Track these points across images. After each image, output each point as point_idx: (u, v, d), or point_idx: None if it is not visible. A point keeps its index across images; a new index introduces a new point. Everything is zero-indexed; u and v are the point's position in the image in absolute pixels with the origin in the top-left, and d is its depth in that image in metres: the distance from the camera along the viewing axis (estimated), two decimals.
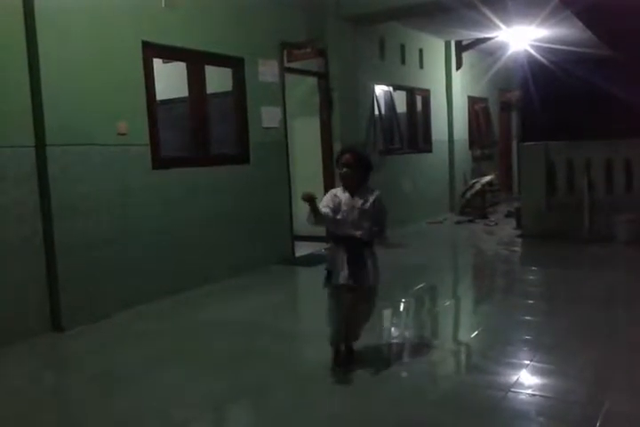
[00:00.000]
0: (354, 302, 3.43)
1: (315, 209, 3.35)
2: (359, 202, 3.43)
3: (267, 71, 6.55)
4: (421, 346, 3.84)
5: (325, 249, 7.29)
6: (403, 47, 9.37)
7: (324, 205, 3.46)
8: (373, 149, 8.30)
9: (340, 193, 3.49)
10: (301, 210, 7.73)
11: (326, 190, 7.55)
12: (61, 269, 4.47)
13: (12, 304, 4.24)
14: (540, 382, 3.26)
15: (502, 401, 3.00)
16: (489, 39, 10.13)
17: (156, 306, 5.08)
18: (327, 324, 3.55)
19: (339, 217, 3.43)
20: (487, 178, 10.42)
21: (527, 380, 3.27)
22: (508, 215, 9.50)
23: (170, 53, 5.61)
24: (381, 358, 3.76)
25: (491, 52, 11.09)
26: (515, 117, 13.13)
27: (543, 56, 10.08)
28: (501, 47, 10.56)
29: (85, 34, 4.65)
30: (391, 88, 9.10)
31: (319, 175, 7.73)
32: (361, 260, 3.44)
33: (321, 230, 7.58)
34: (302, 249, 7.24)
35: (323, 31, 7.34)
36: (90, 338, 4.39)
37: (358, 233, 3.43)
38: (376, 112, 8.71)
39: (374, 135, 8.57)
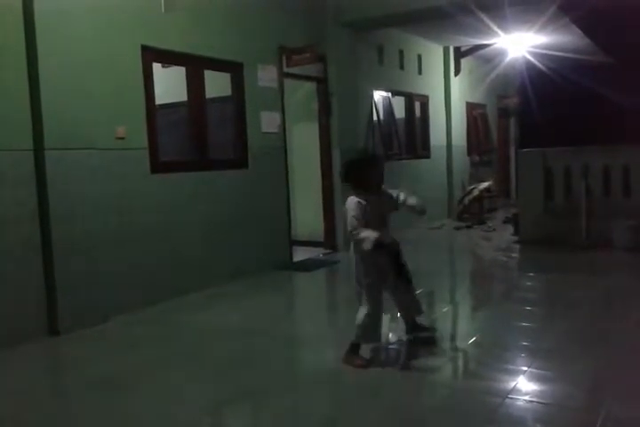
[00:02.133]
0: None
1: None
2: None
3: (266, 76, 6.56)
4: (419, 352, 3.83)
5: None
6: (401, 53, 9.40)
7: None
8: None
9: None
10: (299, 215, 7.79)
11: (324, 195, 7.64)
12: (59, 272, 4.46)
13: (8, 307, 4.22)
14: (538, 389, 3.25)
15: (500, 408, 2.99)
16: (487, 45, 10.18)
17: (155, 310, 5.07)
18: (364, 320, 3.60)
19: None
20: (485, 184, 10.42)
21: (525, 386, 3.26)
22: (506, 221, 9.50)
23: (169, 58, 5.62)
24: (379, 363, 3.74)
25: (489, 59, 11.12)
26: (513, 124, 13.16)
27: (541, 62, 10.09)
28: (500, 53, 10.60)
29: (85, 37, 4.65)
30: (390, 94, 9.12)
31: (318, 180, 7.73)
32: None
33: (319, 235, 7.63)
34: (300, 254, 7.24)
35: (322, 36, 7.36)
36: (88, 342, 4.37)
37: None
38: (375, 117, 8.73)
39: (373, 141, 8.58)
